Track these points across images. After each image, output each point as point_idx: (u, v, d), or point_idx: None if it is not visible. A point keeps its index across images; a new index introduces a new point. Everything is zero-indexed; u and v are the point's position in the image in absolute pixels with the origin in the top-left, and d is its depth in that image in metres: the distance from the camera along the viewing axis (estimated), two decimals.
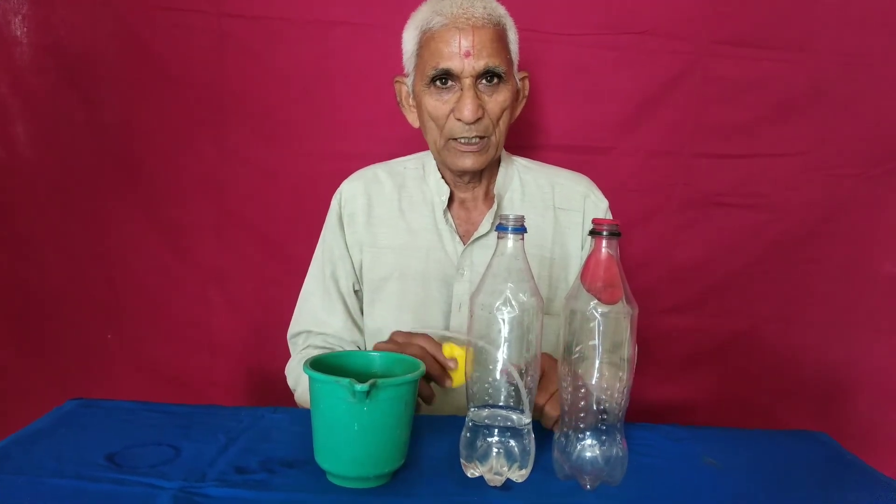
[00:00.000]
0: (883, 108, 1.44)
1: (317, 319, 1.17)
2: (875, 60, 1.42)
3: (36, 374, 1.51)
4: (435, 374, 0.89)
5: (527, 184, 1.19)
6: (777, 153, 1.46)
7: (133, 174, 1.48)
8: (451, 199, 1.16)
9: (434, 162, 1.18)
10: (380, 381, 0.72)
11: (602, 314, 0.75)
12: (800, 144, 1.45)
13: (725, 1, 1.40)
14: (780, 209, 1.47)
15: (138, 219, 1.49)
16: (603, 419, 0.77)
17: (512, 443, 0.76)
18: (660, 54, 1.42)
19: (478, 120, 1.04)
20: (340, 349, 1.14)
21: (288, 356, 1.23)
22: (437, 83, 1.06)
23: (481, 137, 1.06)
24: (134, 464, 0.78)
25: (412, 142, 1.31)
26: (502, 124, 1.09)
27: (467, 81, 1.04)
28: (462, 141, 1.06)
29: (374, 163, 1.23)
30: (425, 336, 0.93)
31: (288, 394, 1.19)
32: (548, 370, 0.89)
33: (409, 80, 1.13)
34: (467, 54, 1.03)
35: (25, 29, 1.41)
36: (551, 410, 0.88)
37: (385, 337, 1.11)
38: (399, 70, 1.15)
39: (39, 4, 1.41)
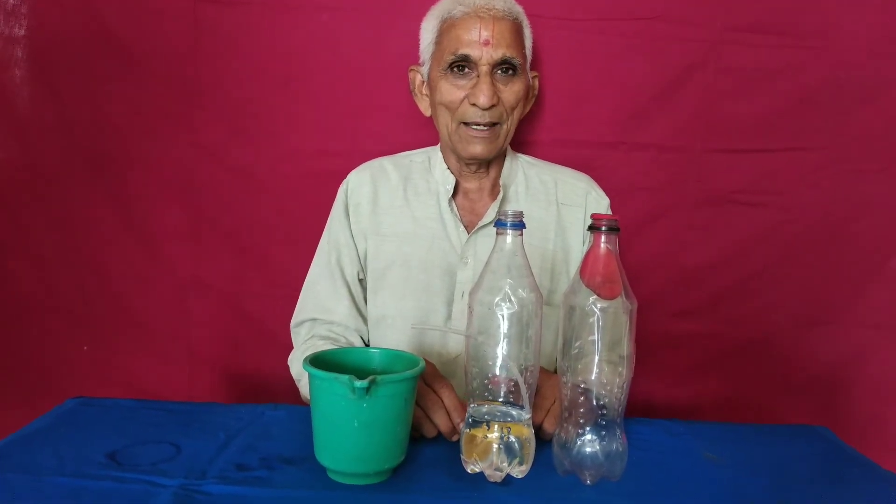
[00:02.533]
0: None
1: (322, 307, 1.17)
2: None
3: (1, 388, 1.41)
4: (444, 430, 0.86)
5: (531, 178, 1.21)
6: (795, 147, 1.36)
7: (104, 174, 1.38)
8: (455, 190, 1.17)
9: (440, 154, 1.20)
10: (379, 377, 0.72)
11: (601, 309, 0.75)
12: (819, 138, 1.36)
13: None
14: (797, 207, 1.38)
15: (110, 221, 1.39)
16: (602, 414, 0.77)
17: (512, 438, 0.76)
18: (671, 42, 1.33)
19: (492, 107, 1.07)
20: (344, 340, 1.15)
21: (277, 355, 1.22)
22: (455, 69, 1.09)
23: (494, 124, 1.09)
24: (134, 461, 0.78)
25: (403, 139, 1.31)
26: (515, 114, 1.12)
27: (484, 69, 1.07)
28: (474, 127, 1.09)
29: (359, 162, 1.24)
30: (450, 388, 0.89)
31: (273, 400, 1.16)
32: (542, 386, 0.88)
33: (423, 69, 1.16)
34: (486, 43, 1.06)
35: None
36: (549, 427, 0.87)
37: (387, 324, 1.14)
38: (390, 58, 1.14)
39: None
